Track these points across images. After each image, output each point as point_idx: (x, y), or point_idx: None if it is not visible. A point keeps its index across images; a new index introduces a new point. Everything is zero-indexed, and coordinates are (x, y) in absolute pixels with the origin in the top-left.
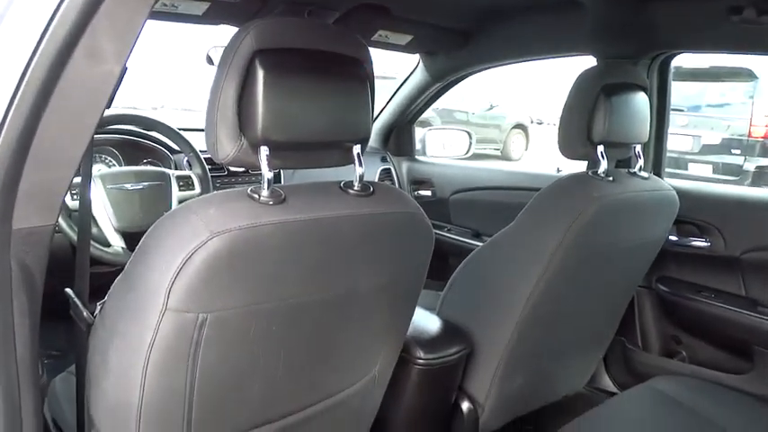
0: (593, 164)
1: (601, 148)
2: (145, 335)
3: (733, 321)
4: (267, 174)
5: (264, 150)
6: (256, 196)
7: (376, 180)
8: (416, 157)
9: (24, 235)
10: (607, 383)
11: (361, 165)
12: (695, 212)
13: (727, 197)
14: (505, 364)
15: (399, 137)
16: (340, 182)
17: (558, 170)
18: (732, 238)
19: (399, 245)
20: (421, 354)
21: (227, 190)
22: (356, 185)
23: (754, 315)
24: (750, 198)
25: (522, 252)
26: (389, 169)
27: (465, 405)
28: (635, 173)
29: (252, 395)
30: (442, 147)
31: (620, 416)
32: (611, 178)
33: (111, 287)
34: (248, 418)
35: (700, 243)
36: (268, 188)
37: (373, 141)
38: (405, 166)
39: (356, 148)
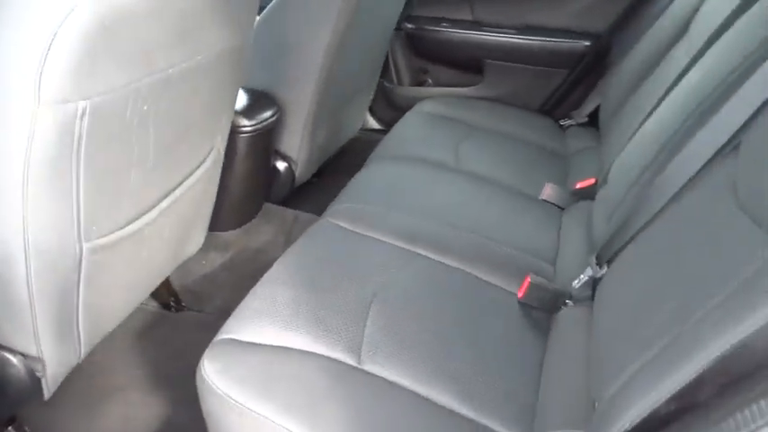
0: None
1: None
2: (15, 141)
3: (467, 42)
4: None
5: None
6: None
7: None
8: None
9: None
10: (373, 124)
11: None
12: None
13: None
14: (312, 120)
15: None
16: None
17: None
18: None
19: (237, 6)
20: (245, 122)
21: None
22: None
23: (481, 34)
24: None
25: (308, 8)
26: None
27: (281, 165)
28: None
29: (129, 185)
30: None
31: (409, 133)
32: None
33: None
34: (129, 209)
35: None
36: None
37: None
38: None
39: None
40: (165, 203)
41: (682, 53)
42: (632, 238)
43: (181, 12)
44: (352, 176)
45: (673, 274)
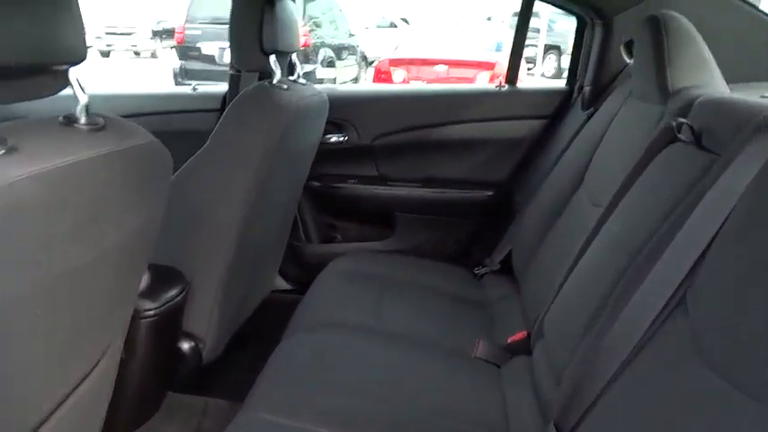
0: (267, 74)
1: (273, 58)
2: None
3: (375, 197)
4: None
5: None
6: None
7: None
8: None
9: None
10: (282, 284)
11: (84, 91)
12: (333, 113)
13: (354, 95)
14: (223, 292)
15: None
16: (58, 116)
17: (194, 88)
18: (363, 130)
19: (144, 184)
20: (148, 304)
21: None
22: (83, 119)
23: (388, 188)
24: (373, 93)
25: (220, 173)
26: None
27: (186, 345)
28: (296, 80)
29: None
30: None
31: (326, 297)
32: (285, 86)
33: None
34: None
35: (338, 138)
36: None
37: None
38: None
39: (72, 71)
40: (51, 422)
41: (584, 200)
42: (592, 405)
43: (86, 199)
44: (265, 348)
45: None
